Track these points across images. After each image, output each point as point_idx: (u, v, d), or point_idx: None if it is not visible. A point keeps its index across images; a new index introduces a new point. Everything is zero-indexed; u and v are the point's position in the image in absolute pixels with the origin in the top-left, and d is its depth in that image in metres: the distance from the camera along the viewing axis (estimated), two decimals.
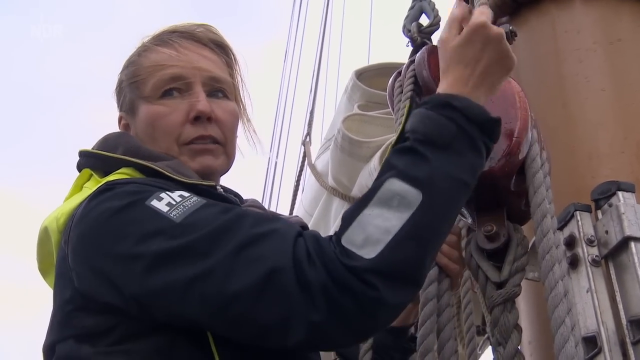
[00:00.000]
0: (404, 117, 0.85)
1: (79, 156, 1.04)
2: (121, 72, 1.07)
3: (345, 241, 0.76)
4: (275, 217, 0.87)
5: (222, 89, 1.03)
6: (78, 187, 1.01)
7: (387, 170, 0.80)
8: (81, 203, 0.92)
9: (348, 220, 0.78)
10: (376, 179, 0.81)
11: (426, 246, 0.77)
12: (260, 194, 4.89)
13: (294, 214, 2.86)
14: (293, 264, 0.75)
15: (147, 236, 0.82)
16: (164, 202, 0.84)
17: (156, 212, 0.83)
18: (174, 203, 0.84)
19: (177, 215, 0.83)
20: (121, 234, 0.84)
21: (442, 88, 0.87)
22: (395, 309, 0.78)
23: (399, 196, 0.76)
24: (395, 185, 0.77)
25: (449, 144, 0.79)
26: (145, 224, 0.83)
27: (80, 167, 1.03)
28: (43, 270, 1.02)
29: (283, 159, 4.89)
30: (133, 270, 0.82)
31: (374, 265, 0.74)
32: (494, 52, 0.88)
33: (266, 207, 1.99)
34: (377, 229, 0.75)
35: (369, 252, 0.74)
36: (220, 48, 1.07)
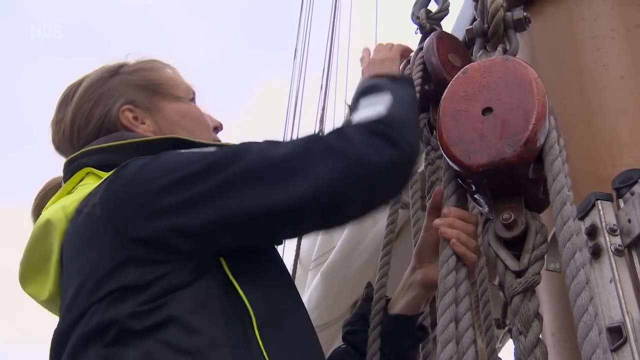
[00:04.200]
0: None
1: (78, 158, 1.07)
2: (126, 74, 1.18)
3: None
4: None
5: None
6: (68, 189, 1.04)
7: (355, 100, 1.06)
8: (90, 193, 0.95)
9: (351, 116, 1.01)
10: (353, 107, 1.05)
11: (408, 114, 1.03)
12: None
13: None
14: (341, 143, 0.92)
15: (210, 161, 0.91)
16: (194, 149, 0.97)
17: (198, 151, 0.95)
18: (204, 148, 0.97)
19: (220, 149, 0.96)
20: (180, 164, 0.91)
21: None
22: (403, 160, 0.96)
23: (374, 95, 1.04)
24: (366, 94, 1.05)
25: (385, 81, 1.11)
26: (196, 153, 0.94)
27: (76, 170, 1.06)
28: (30, 272, 1.03)
29: None
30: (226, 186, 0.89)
31: (385, 118, 0.97)
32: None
33: None
34: (373, 104, 1.01)
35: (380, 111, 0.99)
36: None
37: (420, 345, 1.22)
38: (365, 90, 1.07)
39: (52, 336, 0.94)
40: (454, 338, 0.84)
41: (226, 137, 1.22)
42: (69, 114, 1.14)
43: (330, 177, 0.88)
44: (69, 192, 1.04)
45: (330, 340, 2.26)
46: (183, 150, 0.95)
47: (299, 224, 0.93)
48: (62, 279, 0.98)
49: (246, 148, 0.92)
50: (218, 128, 1.21)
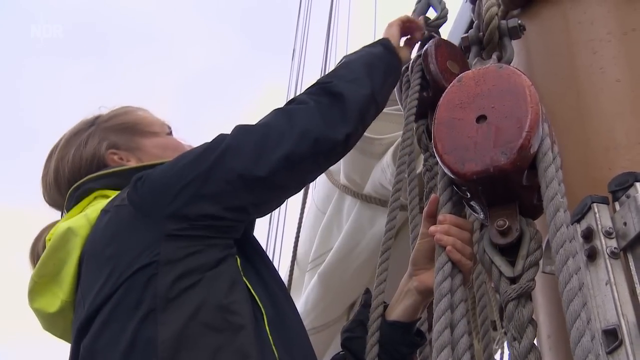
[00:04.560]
0: None
1: (84, 184, 1.14)
2: (102, 122, 1.28)
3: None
4: None
5: None
6: (75, 213, 1.10)
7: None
8: (112, 198, 1.04)
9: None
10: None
11: (354, 69, 1.26)
12: None
13: (305, 212, 2.85)
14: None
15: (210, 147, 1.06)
16: None
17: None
18: None
19: None
20: (180, 159, 1.06)
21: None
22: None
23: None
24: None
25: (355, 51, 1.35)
26: (188, 151, 1.10)
27: (82, 195, 1.13)
28: (41, 285, 1.06)
29: None
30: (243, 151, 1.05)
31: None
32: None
33: None
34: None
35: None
36: None
37: (418, 349, 1.23)
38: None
39: (75, 326, 0.97)
40: (449, 344, 0.85)
41: None
42: (52, 165, 1.23)
43: (304, 126, 1.08)
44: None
45: (328, 342, 2.26)
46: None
47: (297, 167, 1.07)
48: (81, 282, 1.01)
49: (225, 134, 1.07)
50: None
